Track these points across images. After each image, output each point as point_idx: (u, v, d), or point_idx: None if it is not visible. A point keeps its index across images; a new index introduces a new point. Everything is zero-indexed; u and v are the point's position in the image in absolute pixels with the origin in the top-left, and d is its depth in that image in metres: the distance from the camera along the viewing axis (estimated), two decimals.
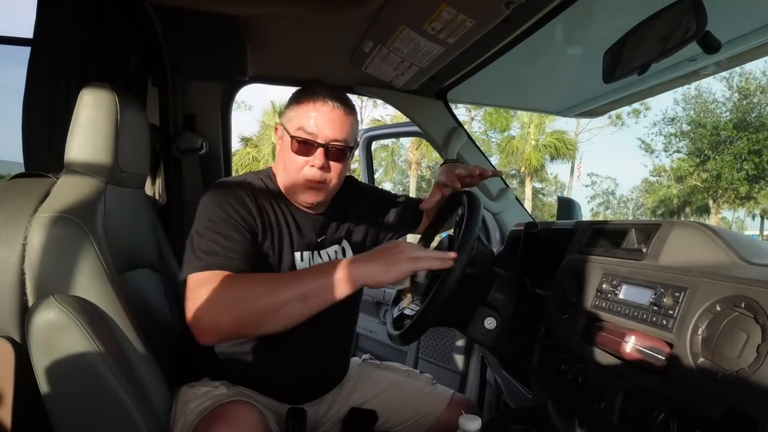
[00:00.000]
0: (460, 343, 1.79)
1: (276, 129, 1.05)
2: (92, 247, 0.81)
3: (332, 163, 0.99)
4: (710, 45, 0.71)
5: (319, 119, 0.96)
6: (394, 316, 1.12)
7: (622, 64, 0.85)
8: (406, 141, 21.55)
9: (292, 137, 0.97)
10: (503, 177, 1.70)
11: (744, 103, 18.53)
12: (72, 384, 0.77)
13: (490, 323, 1.00)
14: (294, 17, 1.20)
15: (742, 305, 0.54)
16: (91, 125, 0.89)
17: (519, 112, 20.03)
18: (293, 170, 0.99)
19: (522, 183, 22.42)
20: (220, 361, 1.03)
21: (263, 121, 20.49)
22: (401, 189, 23.88)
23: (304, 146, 0.97)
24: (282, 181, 1.04)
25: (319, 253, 1.06)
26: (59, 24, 1.08)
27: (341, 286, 0.84)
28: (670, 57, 1.05)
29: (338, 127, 0.97)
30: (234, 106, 1.60)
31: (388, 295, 2.03)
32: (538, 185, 23.61)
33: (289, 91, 1.10)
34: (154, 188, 1.44)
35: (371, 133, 2.46)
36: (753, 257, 0.65)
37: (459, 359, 1.78)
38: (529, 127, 21.02)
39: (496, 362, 1.39)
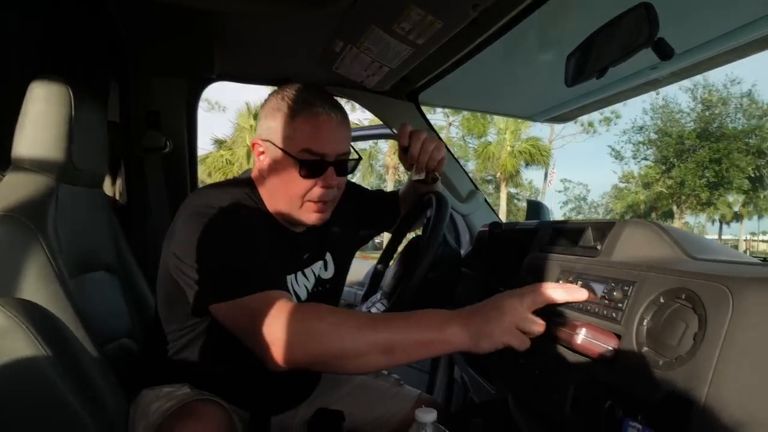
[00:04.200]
0: None
1: (254, 145, 0.92)
2: (41, 248, 0.78)
3: (339, 178, 0.90)
4: (663, 51, 0.73)
5: (327, 135, 0.86)
6: None
7: (582, 68, 0.87)
8: (384, 145, 21.63)
9: (300, 161, 0.85)
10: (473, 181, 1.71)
11: (707, 113, 19.42)
12: (18, 388, 0.73)
13: None
14: (262, 14, 1.18)
15: (683, 297, 0.57)
16: (41, 119, 0.86)
17: (496, 119, 20.42)
18: (297, 195, 0.88)
19: (498, 188, 22.81)
20: (182, 367, 0.98)
21: (238, 123, 20.19)
22: None
23: (314, 167, 0.86)
24: (278, 204, 0.92)
25: (303, 272, 1.00)
26: (8, 12, 1.04)
27: (437, 347, 0.71)
28: (633, 64, 1.08)
29: (344, 139, 0.89)
30: (207, 107, 1.61)
31: (357, 297, 2.02)
32: (513, 190, 24.04)
33: (262, 90, 1.07)
34: (114, 188, 1.39)
35: None
36: (697, 253, 0.68)
37: (426, 358, 1.79)
38: (506, 134, 21.43)
39: (462, 360, 1.41)
